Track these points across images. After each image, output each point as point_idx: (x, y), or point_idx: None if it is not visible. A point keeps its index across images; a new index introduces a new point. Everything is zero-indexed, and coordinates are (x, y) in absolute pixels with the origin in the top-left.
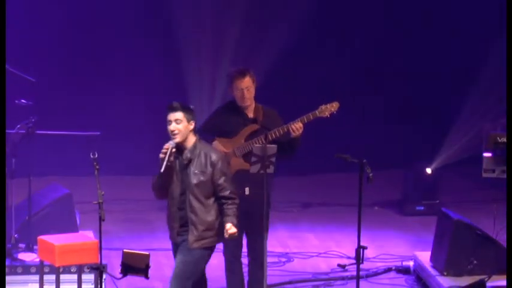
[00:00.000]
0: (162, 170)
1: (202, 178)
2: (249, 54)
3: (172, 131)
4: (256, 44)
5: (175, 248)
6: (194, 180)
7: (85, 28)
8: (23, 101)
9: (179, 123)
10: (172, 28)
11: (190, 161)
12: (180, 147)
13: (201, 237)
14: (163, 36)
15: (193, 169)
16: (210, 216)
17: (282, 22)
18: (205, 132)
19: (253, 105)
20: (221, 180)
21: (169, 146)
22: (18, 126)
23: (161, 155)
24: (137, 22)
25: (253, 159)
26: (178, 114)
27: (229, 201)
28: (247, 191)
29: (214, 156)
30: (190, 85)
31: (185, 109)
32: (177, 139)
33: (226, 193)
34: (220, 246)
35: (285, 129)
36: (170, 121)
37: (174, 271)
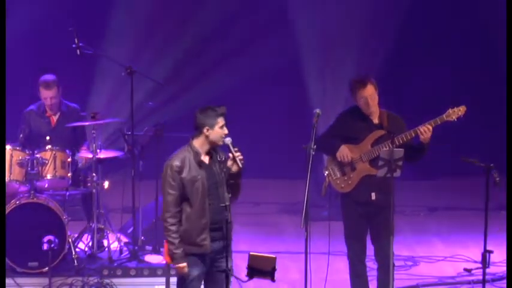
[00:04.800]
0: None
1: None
2: (370, 58)
3: (226, 134)
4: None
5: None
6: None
7: (220, 36)
8: (150, 103)
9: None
10: (297, 33)
11: (224, 158)
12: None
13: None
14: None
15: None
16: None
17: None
18: (329, 138)
19: (378, 111)
20: None
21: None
22: (146, 128)
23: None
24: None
25: (380, 162)
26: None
27: None
28: (373, 196)
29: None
30: (313, 91)
31: None
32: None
33: None
34: (344, 249)
35: (412, 134)
36: (225, 124)
37: None
